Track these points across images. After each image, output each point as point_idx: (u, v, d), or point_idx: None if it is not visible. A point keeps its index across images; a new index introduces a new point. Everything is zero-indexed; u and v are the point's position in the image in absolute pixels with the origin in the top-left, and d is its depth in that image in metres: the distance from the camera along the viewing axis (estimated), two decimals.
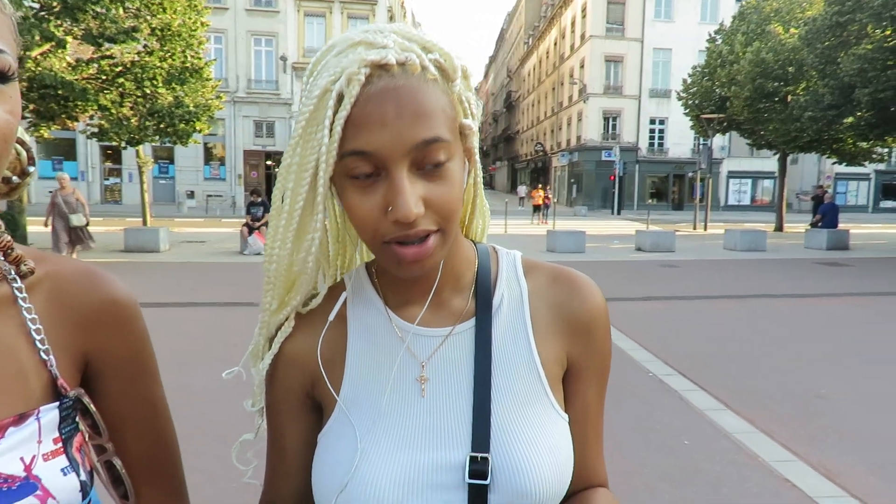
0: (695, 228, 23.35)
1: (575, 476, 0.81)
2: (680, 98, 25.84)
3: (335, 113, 0.66)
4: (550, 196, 27.89)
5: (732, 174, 39.56)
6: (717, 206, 37.99)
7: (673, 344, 6.51)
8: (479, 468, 0.71)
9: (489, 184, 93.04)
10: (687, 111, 25.50)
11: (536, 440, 0.74)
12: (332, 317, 0.79)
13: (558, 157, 44.68)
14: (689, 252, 15.23)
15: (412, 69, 0.66)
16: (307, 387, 0.80)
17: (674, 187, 40.14)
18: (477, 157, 0.79)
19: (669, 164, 39.05)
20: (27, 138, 0.74)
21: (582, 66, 39.98)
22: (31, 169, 0.73)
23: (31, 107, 11.93)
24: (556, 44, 47.98)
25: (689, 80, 25.47)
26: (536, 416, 0.75)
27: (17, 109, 0.62)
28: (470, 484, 0.71)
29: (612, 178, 34.63)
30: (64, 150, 28.52)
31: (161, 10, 11.85)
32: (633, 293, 9.54)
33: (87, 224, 10.86)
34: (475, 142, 0.76)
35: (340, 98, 0.66)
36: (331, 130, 0.66)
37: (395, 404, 0.76)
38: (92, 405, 0.71)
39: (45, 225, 10.66)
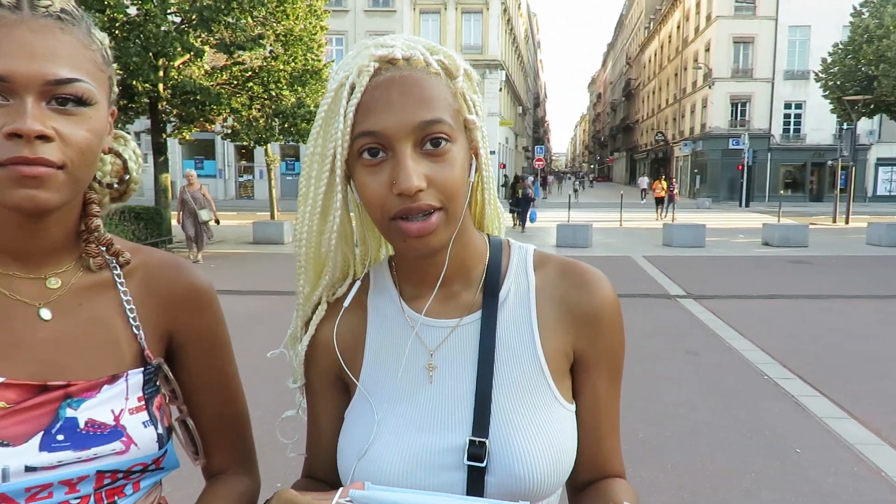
0: (834, 221, 21.35)
1: (589, 466, 0.84)
2: (819, 79, 23.63)
3: (348, 101, 0.74)
4: (676, 189, 25.17)
5: (882, 161, 35.64)
6: (863, 196, 34.46)
7: (795, 346, 6.06)
8: (476, 451, 0.75)
9: (607, 175, 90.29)
10: (827, 93, 23.28)
11: (534, 428, 0.77)
12: (346, 303, 0.86)
13: (680, 147, 42.52)
14: (825, 247, 13.98)
15: (416, 63, 0.75)
16: (336, 370, 0.88)
17: (812, 177, 36.85)
18: (485, 154, 0.83)
19: (807, 152, 35.89)
20: (129, 154, 0.88)
21: (707, 50, 37.68)
22: (128, 177, 0.88)
23: (175, 112, 13.21)
24: (679, 27, 45.57)
25: (829, 60, 23.24)
26: (536, 406, 0.79)
27: (100, 128, 0.74)
28: (468, 466, 0.75)
29: (740, 167, 32.34)
30: (204, 150, 31.18)
31: (284, 16, 12.62)
32: (754, 290, 8.95)
33: (217, 221, 11.43)
34: (480, 138, 0.81)
35: (354, 90, 0.74)
36: (345, 117, 0.74)
37: (406, 389, 0.82)
38: (170, 373, 0.86)
39: (177, 221, 11.58)
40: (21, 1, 0.69)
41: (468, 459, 0.75)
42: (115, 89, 0.81)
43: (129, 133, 0.90)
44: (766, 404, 4.52)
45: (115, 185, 0.87)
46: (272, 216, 18.41)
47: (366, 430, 0.80)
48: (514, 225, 17.85)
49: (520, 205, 18.01)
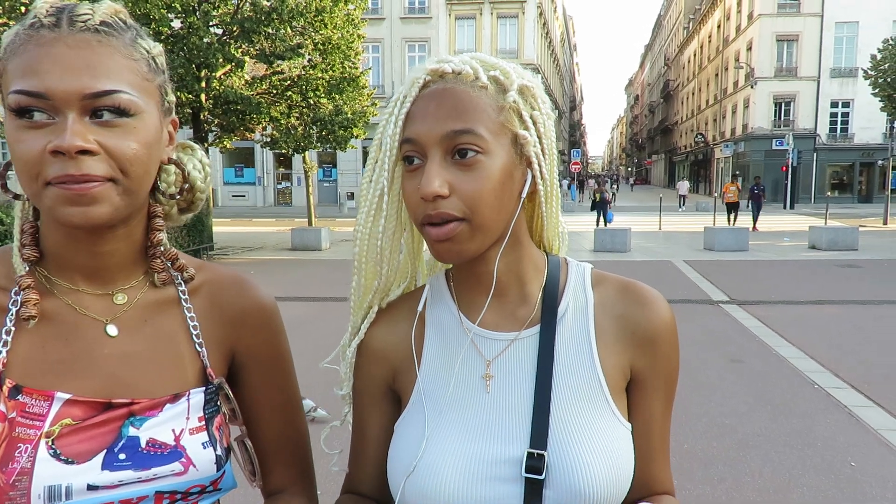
0: (885, 223, 20.58)
1: (640, 484, 0.82)
2: (868, 76, 22.83)
3: (400, 110, 0.79)
4: (764, 193, 19.98)
5: None
6: None
7: (847, 354, 5.84)
8: (535, 464, 0.75)
9: (645, 178, 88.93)
10: (876, 91, 22.46)
11: (593, 442, 0.76)
12: (420, 307, 0.86)
13: (721, 148, 41.53)
14: (876, 251, 13.46)
15: (465, 77, 0.77)
16: (388, 378, 0.87)
17: (860, 177, 35.56)
18: (546, 171, 0.82)
19: (855, 152, 34.67)
20: (195, 163, 0.87)
21: (749, 49, 36.80)
22: (187, 185, 0.87)
23: (217, 121, 13.51)
24: (719, 26, 44.65)
25: (879, 56, 22.42)
26: (595, 421, 0.78)
27: (150, 139, 0.73)
28: (526, 478, 0.75)
29: (784, 168, 31.43)
30: (244, 158, 31.83)
31: (323, 26, 12.79)
32: (801, 296, 8.67)
33: None
34: (534, 154, 0.80)
35: (406, 100, 0.79)
36: (395, 124, 0.79)
37: (461, 398, 0.81)
38: (230, 392, 0.85)
39: None
40: (60, 19, 0.69)
41: (526, 472, 0.75)
42: (171, 98, 0.80)
43: None
44: (818, 415, 4.36)
45: (177, 196, 0.86)
46: (310, 223, 18.64)
47: (418, 439, 0.79)
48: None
49: (596, 207, 19.67)
